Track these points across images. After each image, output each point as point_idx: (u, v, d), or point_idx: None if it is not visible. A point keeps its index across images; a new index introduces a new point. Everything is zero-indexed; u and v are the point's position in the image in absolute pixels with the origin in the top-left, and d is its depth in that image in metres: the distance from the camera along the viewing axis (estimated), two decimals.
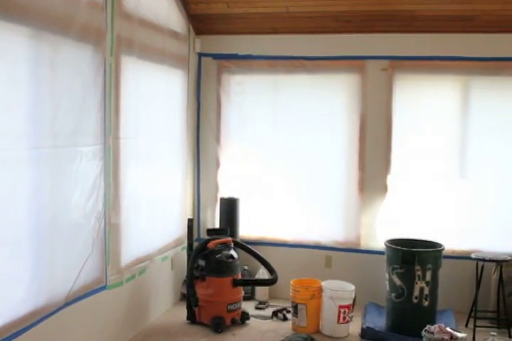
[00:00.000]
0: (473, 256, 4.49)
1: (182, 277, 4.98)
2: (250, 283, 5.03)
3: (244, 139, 5.29)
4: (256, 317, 4.72)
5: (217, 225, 5.23)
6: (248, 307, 4.79)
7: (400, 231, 4.79)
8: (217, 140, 5.33)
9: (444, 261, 4.32)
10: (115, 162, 3.81)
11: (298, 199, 5.20)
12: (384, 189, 4.99)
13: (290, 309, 4.58)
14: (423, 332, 3.81)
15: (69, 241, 3.30)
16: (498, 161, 4.83)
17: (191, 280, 4.43)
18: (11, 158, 2.81)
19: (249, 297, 5.07)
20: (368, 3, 4.56)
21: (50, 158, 3.09)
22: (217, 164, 5.35)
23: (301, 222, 5.20)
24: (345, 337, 4.36)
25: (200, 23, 5.09)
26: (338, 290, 4.38)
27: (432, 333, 3.76)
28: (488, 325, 4.46)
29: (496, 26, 4.61)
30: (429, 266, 4.21)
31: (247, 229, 5.25)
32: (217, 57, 5.26)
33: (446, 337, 3.70)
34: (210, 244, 4.48)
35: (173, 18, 4.71)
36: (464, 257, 4.72)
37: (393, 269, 4.30)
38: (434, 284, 4.25)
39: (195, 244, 4.74)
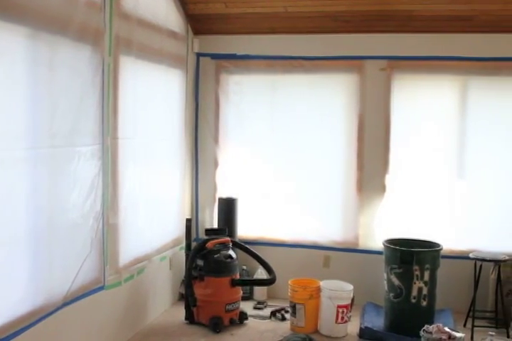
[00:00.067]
0: (471, 255, 4.49)
1: (180, 277, 4.98)
2: (248, 283, 5.03)
3: (243, 139, 5.29)
4: (254, 317, 4.72)
5: (215, 225, 5.23)
6: (246, 307, 4.79)
7: (398, 231, 4.79)
8: (216, 140, 5.33)
9: (442, 261, 4.33)
10: (113, 162, 3.81)
11: (296, 199, 5.20)
12: (382, 189, 5.00)
13: (288, 309, 4.58)
14: (421, 332, 3.81)
15: (67, 241, 3.30)
16: (496, 161, 4.83)
17: (189, 280, 4.43)
18: (8, 158, 2.80)
19: (248, 297, 5.07)
20: (367, 3, 4.56)
21: (48, 158, 3.09)
22: (216, 164, 5.34)
23: (300, 222, 5.20)
24: (344, 336, 4.36)
25: (198, 23, 5.08)
26: (337, 290, 4.38)
27: (430, 333, 3.76)
28: (487, 324, 4.47)
29: (495, 26, 4.61)
30: (428, 265, 4.21)
31: (245, 229, 5.24)
32: (215, 57, 5.26)
33: (444, 336, 3.70)
34: (209, 244, 4.48)
35: (172, 18, 4.71)
36: (462, 257, 4.72)
37: (391, 269, 4.30)
38: (432, 284, 4.26)
39: (194, 244, 4.74)
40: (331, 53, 4.98)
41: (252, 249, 4.70)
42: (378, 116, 4.97)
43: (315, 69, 5.07)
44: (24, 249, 3.00)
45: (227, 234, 4.78)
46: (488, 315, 4.59)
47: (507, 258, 4.42)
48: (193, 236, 5.12)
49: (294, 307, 4.45)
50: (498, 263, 4.45)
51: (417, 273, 4.20)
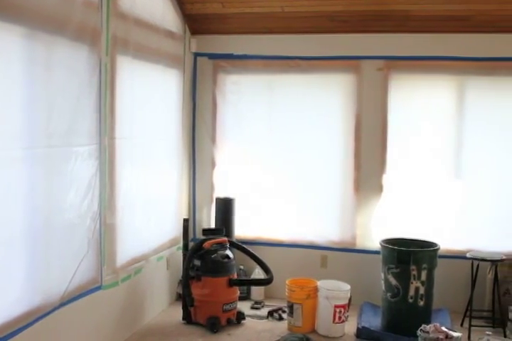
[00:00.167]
0: (468, 255, 4.50)
1: (177, 277, 4.97)
2: (246, 283, 5.02)
3: (240, 139, 5.29)
4: (251, 317, 4.72)
5: (212, 225, 5.23)
6: (244, 307, 4.78)
7: (396, 230, 4.79)
8: (213, 140, 5.33)
9: (439, 261, 4.33)
10: (110, 162, 3.81)
11: (293, 199, 5.20)
12: (379, 189, 5.00)
13: (286, 309, 4.58)
14: (418, 332, 3.81)
15: (64, 241, 3.29)
16: (493, 161, 4.84)
17: (187, 280, 4.43)
18: (5, 157, 2.79)
19: (245, 297, 5.07)
20: (363, 3, 4.56)
21: (45, 157, 3.08)
22: (213, 164, 5.34)
23: (297, 222, 5.20)
24: (341, 336, 4.36)
25: (195, 22, 5.08)
26: (334, 289, 4.38)
27: (428, 332, 3.76)
28: (484, 324, 4.48)
29: (491, 26, 4.62)
30: (425, 265, 4.22)
31: (242, 228, 5.24)
32: (212, 56, 5.26)
33: (441, 336, 3.70)
34: (206, 244, 4.48)
35: (169, 18, 4.71)
36: (459, 257, 4.72)
37: (389, 269, 4.30)
38: (429, 284, 4.26)
39: (191, 244, 4.73)
40: (328, 53, 4.99)
41: (249, 249, 4.71)
42: (375, 116, 4.97)
43: (312, 69, 5.07)
44: (21, 249, 3.00)
45: (224, 234, 4.78)
46: (485, 314, 4.60)
47: (504, 257, 4.43)
48: (191, 236, 5.12)
49: (291, 307, 4.45)
50: (495, 262, 4.46)
51: (414, 272, 4.20)
